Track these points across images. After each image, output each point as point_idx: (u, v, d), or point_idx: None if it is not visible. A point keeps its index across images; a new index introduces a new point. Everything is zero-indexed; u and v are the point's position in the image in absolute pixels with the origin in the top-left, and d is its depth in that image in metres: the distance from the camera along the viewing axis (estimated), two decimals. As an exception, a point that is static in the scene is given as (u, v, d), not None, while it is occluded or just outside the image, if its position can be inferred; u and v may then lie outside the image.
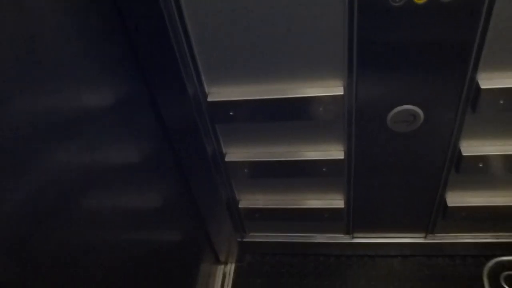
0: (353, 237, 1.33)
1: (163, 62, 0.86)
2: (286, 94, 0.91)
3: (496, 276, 1.24)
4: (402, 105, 0.92)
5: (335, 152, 1.05)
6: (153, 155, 0.98)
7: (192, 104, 0.93)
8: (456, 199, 1.14)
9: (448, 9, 0.75)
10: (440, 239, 1.29)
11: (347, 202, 1.19)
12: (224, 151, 1.09)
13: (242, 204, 1.25)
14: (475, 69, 0.85)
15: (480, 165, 1.01)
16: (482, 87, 0.86)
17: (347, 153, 1.04)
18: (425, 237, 1.29)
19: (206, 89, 0.95)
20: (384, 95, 0.91)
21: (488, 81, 0.86)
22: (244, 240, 1.39)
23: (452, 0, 0.73)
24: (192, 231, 1.23)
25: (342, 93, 0.90)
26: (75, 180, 0.68)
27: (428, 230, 1.27)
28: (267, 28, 0.82)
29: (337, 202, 1.19)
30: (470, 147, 1.00)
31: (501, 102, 0.88)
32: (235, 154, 1.09)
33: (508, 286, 1.21)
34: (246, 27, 0.83)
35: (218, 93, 0.95)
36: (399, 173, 1.09)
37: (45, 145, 0.61)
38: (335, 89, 0.90)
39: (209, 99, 0.95)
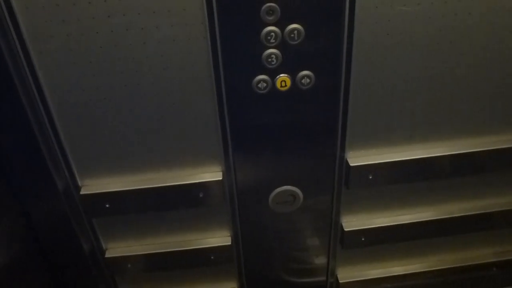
0: (251, 324, 1.27)
1: (27, 156, 0.80)
2: (163, 183, 0.89)
3: None
4: (281, 186, 0.93)
5: (222, 238, 1.02)
6: (18, 259, 0.88)
7: (63, 198, 0.86)
8: (345, 274, 1.16)
9: (309, 94, 0.79)
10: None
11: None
12: (104, 246, 1.01)
13: (128, 303, 1.15)
14: (343, 148, 0.90)
15: (362, 239, 1.05)
16: (351, 164, 0.91)
17: (234, 238, 1.02)
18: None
19: (79, 182, 0.89)
20: (263, 178, 0.92)
21: (356, 158, 0.91)
22: None
23: (311, 86, 0.78)
24: None
25: (221, 178, 0.89)
26: None
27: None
28: (138, 118, 0.81)
29: (230, 290, 1.15)
30: (351, 222, 1.03)
31: (370, 177, 0.93)
32: (116, 249, 1.02)
33: None
34: (115, 118, 0.81)
35: (92, 185, 0.90)
36: (287, 252, 1.08)
37: None
38: (213, 174, 0.90)
39: (82, 192, 0.89)
